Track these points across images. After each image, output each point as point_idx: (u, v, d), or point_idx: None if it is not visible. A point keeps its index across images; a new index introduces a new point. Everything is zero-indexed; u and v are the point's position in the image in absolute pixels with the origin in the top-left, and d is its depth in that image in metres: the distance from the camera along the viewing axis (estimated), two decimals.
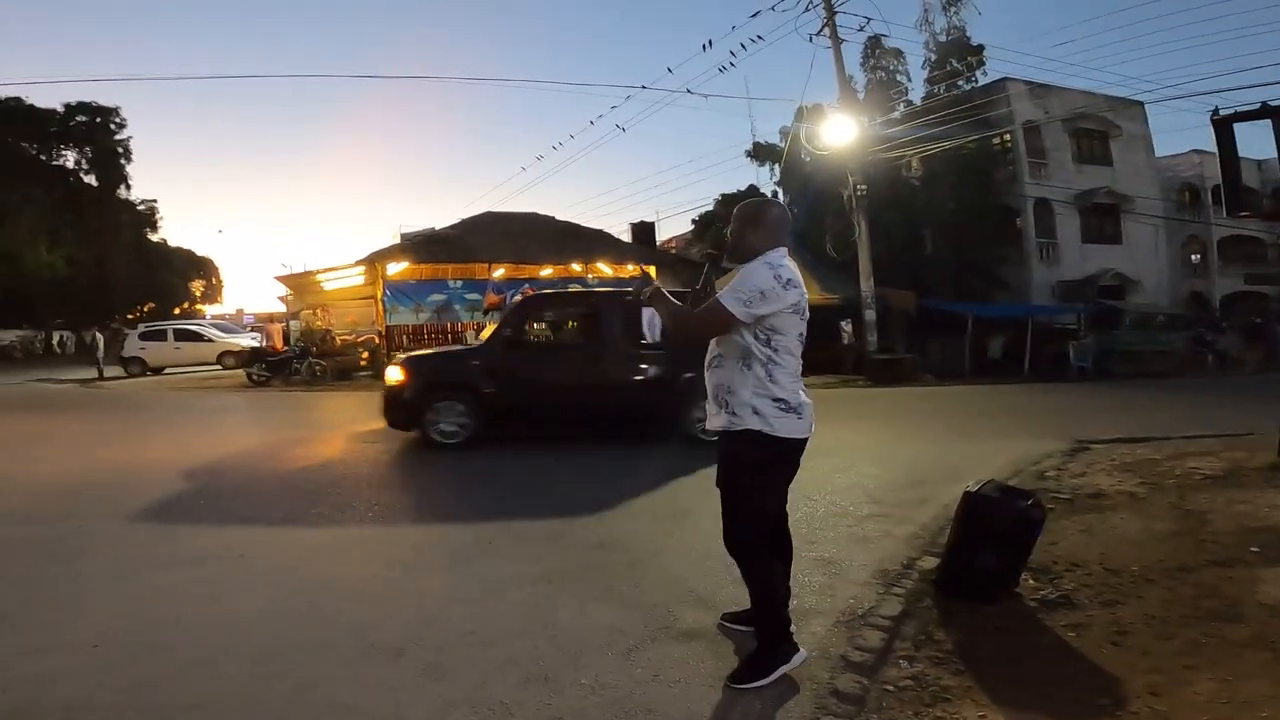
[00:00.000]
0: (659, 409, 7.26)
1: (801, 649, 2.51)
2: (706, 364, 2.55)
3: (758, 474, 2.43)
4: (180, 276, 40.94)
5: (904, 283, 18.79)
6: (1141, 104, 25.02)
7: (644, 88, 23.59)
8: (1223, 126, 5.56)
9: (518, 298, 18.48)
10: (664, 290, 2.58)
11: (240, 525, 4.58)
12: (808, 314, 2.47)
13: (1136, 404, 11.71)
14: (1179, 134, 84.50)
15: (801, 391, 2.46)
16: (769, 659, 2.41)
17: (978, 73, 23.79)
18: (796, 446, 2.43)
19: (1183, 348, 20.11)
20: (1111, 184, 24.39)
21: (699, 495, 5.14)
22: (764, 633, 2.47)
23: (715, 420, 2.49)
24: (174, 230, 67.44)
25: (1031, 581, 3.29)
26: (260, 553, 3.95)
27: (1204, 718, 2.02)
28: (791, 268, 2.42)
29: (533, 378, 7.28)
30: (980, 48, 23.70)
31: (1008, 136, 22.99)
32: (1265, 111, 5.27)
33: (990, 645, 2.68)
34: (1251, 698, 2.08)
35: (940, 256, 21.40)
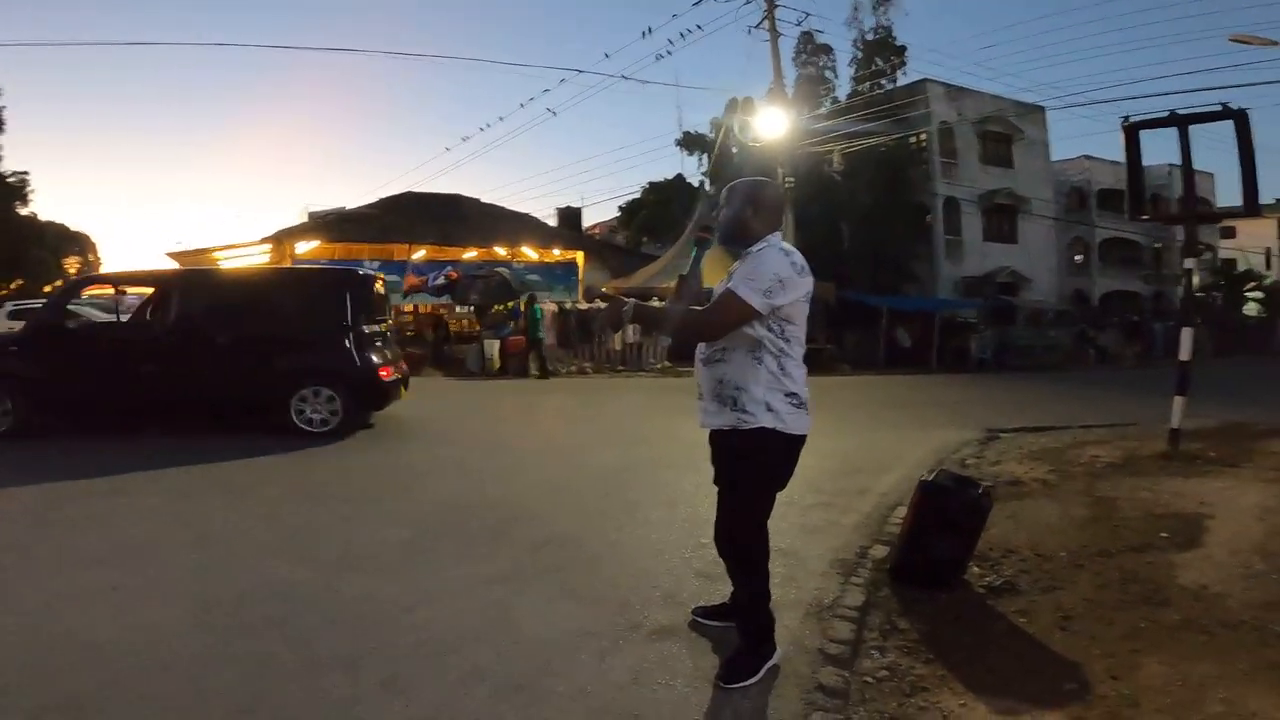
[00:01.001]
0: (251, 397, 7.01)
1: (778, 646, 2.47)
2: (702, 358, 2.39)
3: (769, 473, 2.34)
4: (53, 252, 37.00)
5: (823, 275, 19.32)
6: (1043, 109, 26.78)
7: (580, 71, 23.18)
8: (1131, 133, 5.73)
9: (440, 280, 18.04)
10: (644, 304, 2.43)
11: (139, 519, 4.20)
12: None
13: (1033, 395, 12.59)
14: (1072, 140, 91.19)
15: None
16: (755, 656, 2.36)
17: (899, 72, 24.76)
18: (801, 442, 2.33)
19: (1069, 343, 21.81)
20: (1012, 185, 25.98)
21: (643, 488, 5.11)
22: (751, 630, 2.41)
23: (718, 419, 2.32)
24: (49, 204, 60.61)
25: (975, 569, 3.42)
26: (163, 553, 3.61)
27: (1166, 700, 2.14)
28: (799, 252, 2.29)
29: (90, 364, 6.81)
30: (903, 48, 24.66)
31: (924, 136, 24.02)
32: (1173, 120, 5.45)
33: (952, 633, 2.76)
34: (1203, 678, 2.22)
35: (857, 250, 22.21)
